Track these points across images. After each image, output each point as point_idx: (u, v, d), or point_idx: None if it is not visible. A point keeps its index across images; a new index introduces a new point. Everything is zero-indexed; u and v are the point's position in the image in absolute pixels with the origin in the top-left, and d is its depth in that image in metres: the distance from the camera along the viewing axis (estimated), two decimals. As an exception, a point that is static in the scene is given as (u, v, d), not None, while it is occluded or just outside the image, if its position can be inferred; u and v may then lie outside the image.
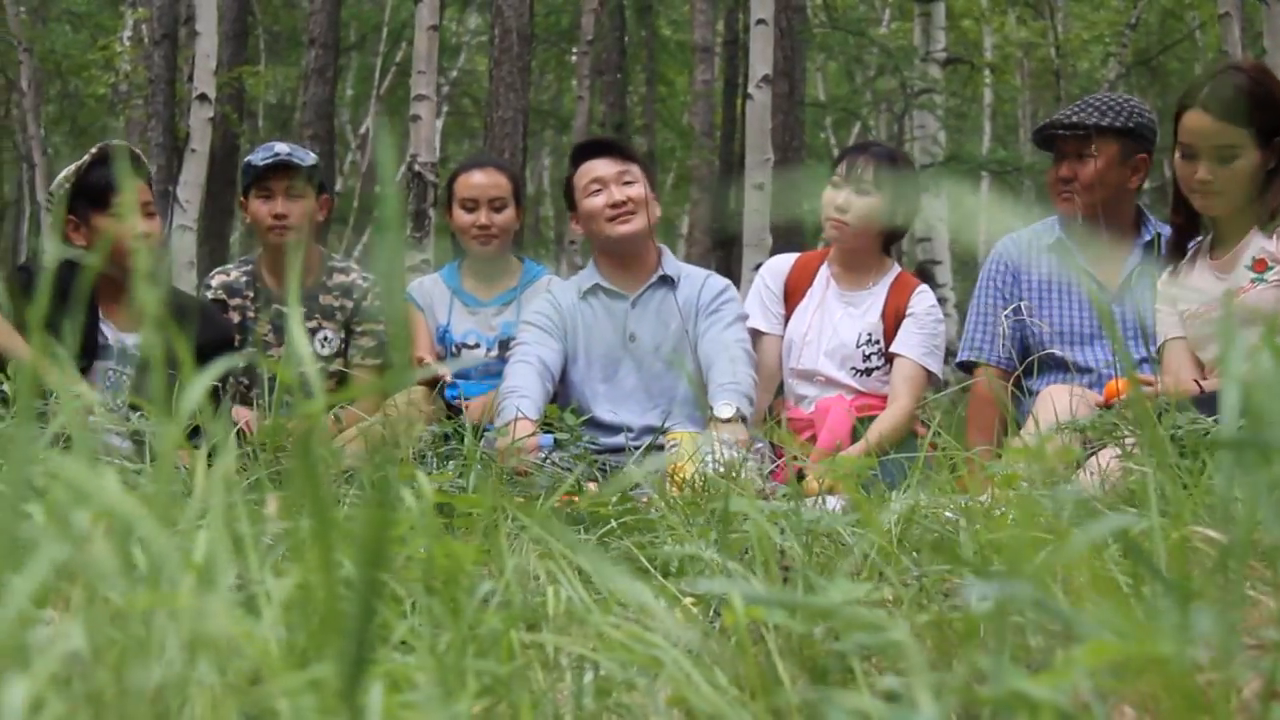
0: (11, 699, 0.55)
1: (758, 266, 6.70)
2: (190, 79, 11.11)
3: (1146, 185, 3.82)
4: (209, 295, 4.15)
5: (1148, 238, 3.70)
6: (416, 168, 6.05)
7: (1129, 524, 0.94)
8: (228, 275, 4.20)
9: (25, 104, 11.22)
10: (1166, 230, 3.48)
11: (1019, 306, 3.73)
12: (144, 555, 0.60)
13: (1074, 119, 3.64)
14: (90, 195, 3.62)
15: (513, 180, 4.37)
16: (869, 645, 1.14)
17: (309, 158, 4.11)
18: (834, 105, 12.69)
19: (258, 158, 4.08)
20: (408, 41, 18.11)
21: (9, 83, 12.86)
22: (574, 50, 16.02)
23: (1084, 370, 3.60)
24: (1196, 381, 3.08)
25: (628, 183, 3.87)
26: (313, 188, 4.09)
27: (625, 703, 1.18)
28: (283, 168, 4.00)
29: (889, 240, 4.12)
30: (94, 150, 3.72)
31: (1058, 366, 3.57)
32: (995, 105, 18.87)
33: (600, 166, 3.89)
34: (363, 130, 18.62)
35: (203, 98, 6.66)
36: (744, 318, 3.94)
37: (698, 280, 3.96)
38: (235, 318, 4.10)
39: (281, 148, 4.08)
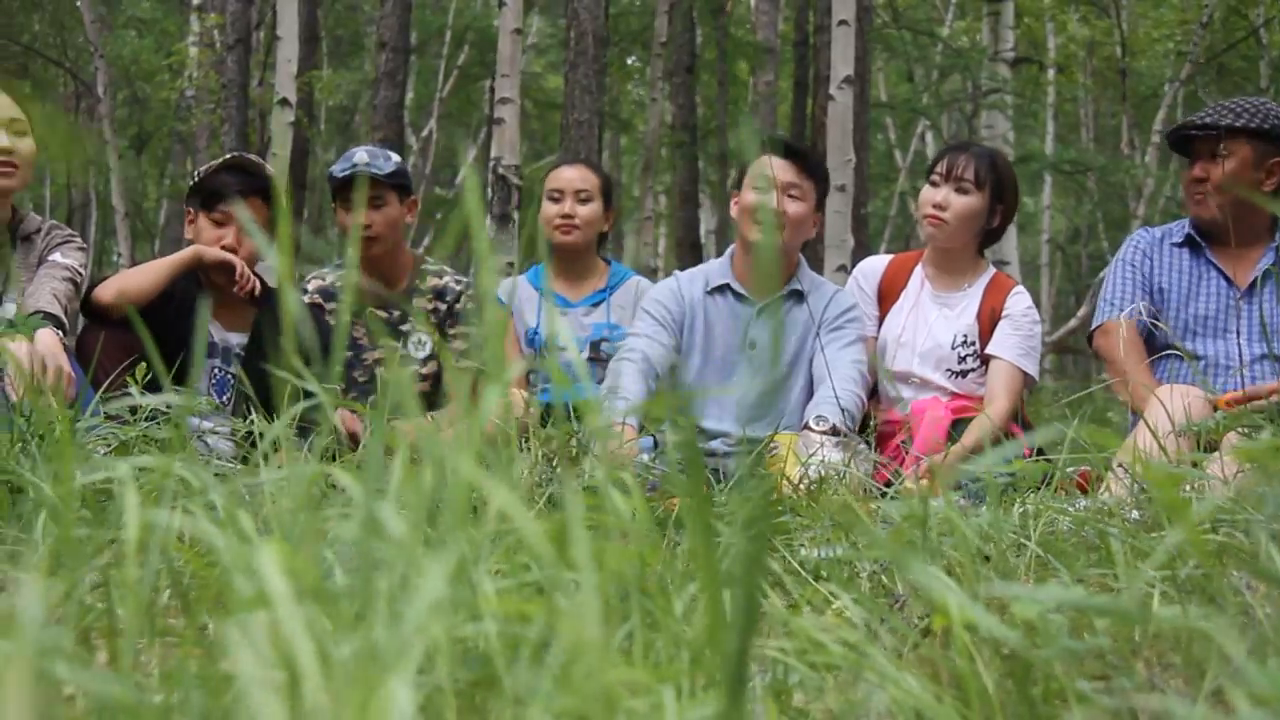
0: (402, 699, 0.56)
1: (840, 267, 6.71)
2: (260, 84, 11.25)
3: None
4: (305, 299, 4.15)
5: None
6: (500, 170, 6.07)
7: None
8: (323, 280, 4.19)
9: (101, 110, 11.38)
10: None
11: (1143, 308, 3.75)
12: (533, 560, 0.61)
13: (1208, 120, 3.66)
14: (203, 196, 3.76)
15: (602, 178, 4.38)
16: (1075, 651, 1.14)
17: (387, 164, 4.04)
18: (903, 106, 12.61)
19: (336, 168, 4.05)
20: (470, 44, 18.23)
21: (83, 89, 13.04)
22: (632, 55, 16.03)
23: (1200, 357, 3.64)
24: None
25: (793, 197, 3.82)
26: (394, 193, 4.04)
27: (806, 708, 1.18)
28: (360, 178, 3.97)
29: (984, 241, 4.09)
30: (229, 155, 3.84)
31: (1179, 358, 3.60)
32: (1057, 104, 18.73)
33: (766, 165, 3.82)
34: (425, 133, 18.72)
35: (284, 102, 6.72)
36: (864, 338, 3.91)
37: (826, 294, 3.93)
38: (331, 321, 4.11)
39: (360, 156, 4.04)
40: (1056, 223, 22.34)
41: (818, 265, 6.24)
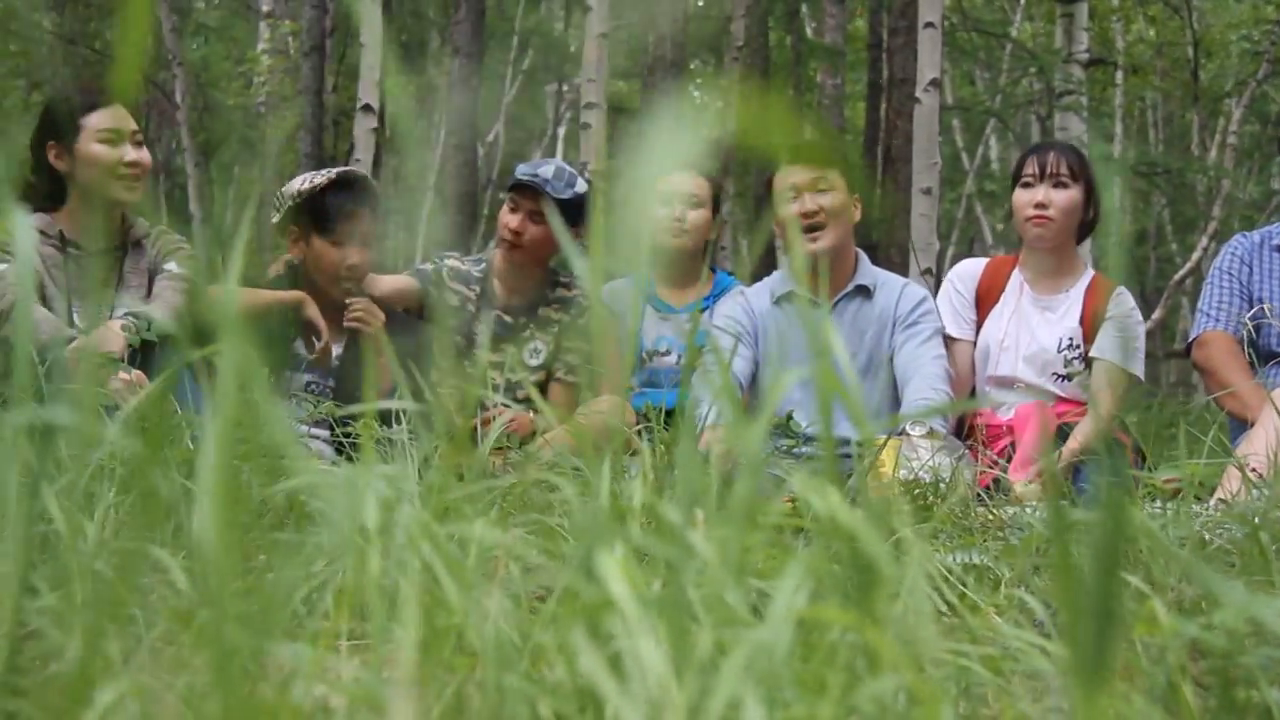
0: (752, 713, 0.56)
1: (925, 270, 6.68)
2: (335, 90, 11.36)
3: None
4: (434, 265, 4.14)
5: None
6: (587, 176, 6.06)
7: None
8: (462, 264, 4.17)
9: (180, 117, 11.53)
10: None
11: (1268, 308, 3.72)
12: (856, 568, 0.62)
13: None
14: (317, 216, 3.75)
15: (713, 184, 4.35)
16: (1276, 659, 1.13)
17: (566, 190, 3.98)
18: (977, 108, 12.52)
19: (521, 170, 4.05)
20: (534, 49, 18.33)
21: (162, 97, 13.21)
22: (694, 59, 16.02)
23: None
24: None
25: (821, 190, 3.83)
26: (556, 214, 4.03)
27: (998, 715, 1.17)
28: (532, 189, 3.96)
29: (1080, 236, 4.04)
30: (334, 173, 3.81)
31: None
32: (1125, 106, 18.52)
33: (795, 172, 3.84)
34: (490, 138, 18.83)
35: (366, 108, 6.78)
36: (940, 330, 3.89)
37: (895, 289, 3.91)
38: (453, 300, 4.09)
39: (545, 171, 4.02)
40: (1122, 226, 22.06)
41: (900, 268, 6.19)
